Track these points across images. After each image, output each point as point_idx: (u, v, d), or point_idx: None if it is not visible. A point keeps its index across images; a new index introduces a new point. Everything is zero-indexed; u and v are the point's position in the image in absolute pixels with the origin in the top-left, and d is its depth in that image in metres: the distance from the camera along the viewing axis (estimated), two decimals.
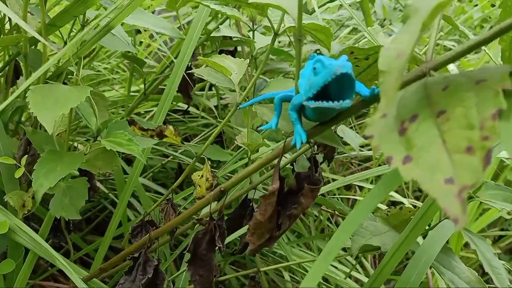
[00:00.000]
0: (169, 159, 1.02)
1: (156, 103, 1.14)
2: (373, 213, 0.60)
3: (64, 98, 0.52)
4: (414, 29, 0.25)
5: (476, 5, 1.58)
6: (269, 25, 0.52)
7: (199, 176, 0.56)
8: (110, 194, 0.94)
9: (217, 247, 0.45)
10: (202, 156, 0.56)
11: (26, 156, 0.62)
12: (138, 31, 1.09)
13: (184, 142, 0.58)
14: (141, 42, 1.28)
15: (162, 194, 0.94)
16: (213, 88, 1.16)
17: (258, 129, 0.55)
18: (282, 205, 0.42)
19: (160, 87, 0.93)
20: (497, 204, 0.54)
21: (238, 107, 0.51)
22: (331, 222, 1.07)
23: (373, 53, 0.38)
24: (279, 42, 1.30)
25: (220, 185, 0.45)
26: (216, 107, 1.08)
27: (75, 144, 0.68)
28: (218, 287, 0.61)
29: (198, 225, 0.53)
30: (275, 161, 0.42)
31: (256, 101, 0.50)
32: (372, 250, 0.56)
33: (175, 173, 1.07)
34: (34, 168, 0.53)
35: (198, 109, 1.18)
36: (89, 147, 0.57)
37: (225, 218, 0.50)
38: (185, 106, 1.05)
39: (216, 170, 0.73)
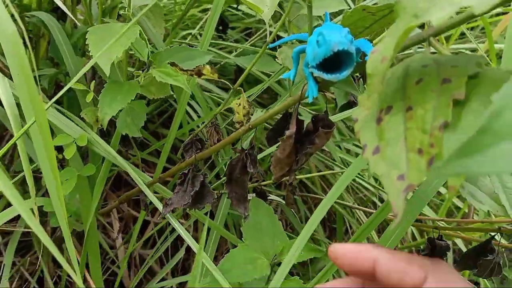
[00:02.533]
0: (226, 60, 1.06)
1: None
2: None
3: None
4: (396, 34, 0.29)
5: None
6: None
7: (237, 104, 0.63)
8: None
9: (249, 172, 0.55)
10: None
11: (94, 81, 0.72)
12: None
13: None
14: None
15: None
16: None
17: (280, 78, 0.59)
18: (300, 144, 0.49)
19: None
20: None
21: (267, 47, 0.55)
22: None
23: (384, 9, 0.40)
24: None
25: (249, 123, 0.53)
26: None
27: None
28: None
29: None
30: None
31: (285, 41, 0.54)
32: None
33: (234, 71, 1.14)
34: (99, 97, 0.63)
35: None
36: (143, 77, 0.65)
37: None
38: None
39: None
